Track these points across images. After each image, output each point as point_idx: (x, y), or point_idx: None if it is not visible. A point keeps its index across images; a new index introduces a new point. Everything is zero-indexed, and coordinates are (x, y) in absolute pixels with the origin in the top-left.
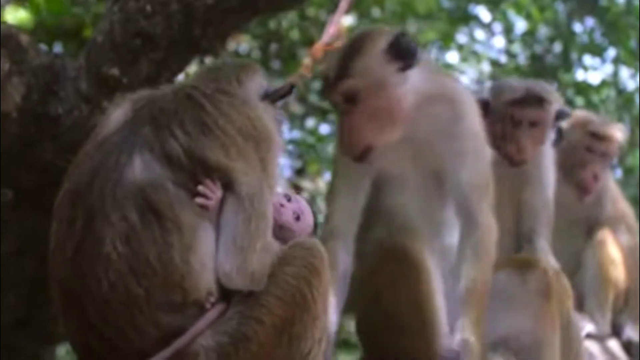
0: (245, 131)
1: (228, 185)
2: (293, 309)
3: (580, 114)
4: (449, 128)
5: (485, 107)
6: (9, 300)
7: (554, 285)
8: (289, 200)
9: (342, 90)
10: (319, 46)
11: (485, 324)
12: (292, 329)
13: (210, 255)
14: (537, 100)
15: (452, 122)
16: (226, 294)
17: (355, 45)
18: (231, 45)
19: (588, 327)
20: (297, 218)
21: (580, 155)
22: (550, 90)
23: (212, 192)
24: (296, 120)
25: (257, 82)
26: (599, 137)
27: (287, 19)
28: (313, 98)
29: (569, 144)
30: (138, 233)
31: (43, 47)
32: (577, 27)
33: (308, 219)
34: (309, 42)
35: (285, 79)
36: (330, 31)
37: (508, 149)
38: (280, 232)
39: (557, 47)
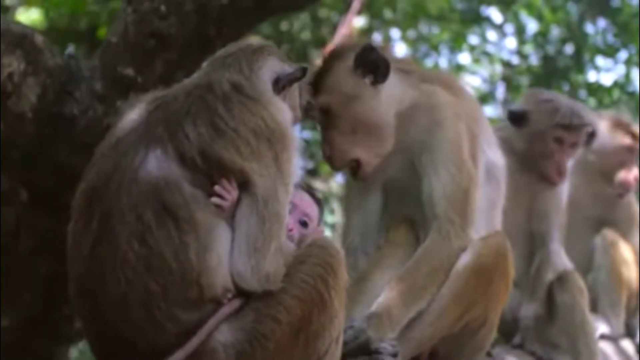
0: (259, 131)
1: (243, 186)
2: (310, 307)
3: (611, 115)
4: (426, 139)
5: (523, 117)
6: (24, 299)
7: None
8: (304, 225)
9: (317, 105)
10: (331, 47)
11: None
12: (309, 328)
13: (227, 254)
14: (583, 125)
15: (428, 132)
16: (243, 291)
17: (326, 61)
18: None
19: (602, 327)
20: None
21: (621, 156)
22: (589, 111)
23: (228, 192)
24: (308, 121)
25: (270, 68)
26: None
27: (299, 20)
28: None
29: (607, 147)
30: (153, 232)
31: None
32: (589, 28)
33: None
34: (320, 42)
35: None
36: (342, 32)
37: (550, 169)
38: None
39: (569, 48)
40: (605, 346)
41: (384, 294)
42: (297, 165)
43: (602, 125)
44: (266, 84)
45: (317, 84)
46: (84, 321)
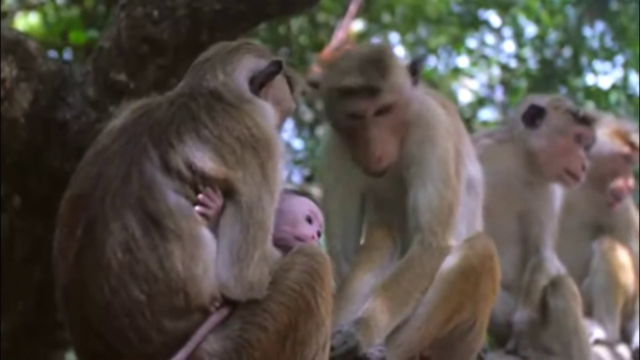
0: (244, 140)
1: (228, 194)
2: (296, 315)
3: (612, 121)
4: (417, 153)
5: (540, 114)
6: (18, 306)
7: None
8: (309, 221)
9: (378, 103)
10: (328, 51)
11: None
12: (295, 335)
13: (213, 262)
14: (597, 121)
15: (421, 146)
16: (230, 299)
17: (382, 60)
18: None
19: (597, 332)
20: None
21: (617, 164)
22: None
23: (213, 200)
24: (305, 128)
25: (245, 67)
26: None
27: (297, 24)
28: (322, 105)
29: (604, 153)
30: (138, 241)
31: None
32: (587, 32)
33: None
34: (318, 46)
35: None
36: (339, 36)
37: (573, 165)
38: (294, 242)
39: (567, 51)
40: (601, 351)
41: (370, 301)
42: (283, 173)
43: (602, 131)
44: (243, 85)
45: (377, 82)
46: (70, 329)
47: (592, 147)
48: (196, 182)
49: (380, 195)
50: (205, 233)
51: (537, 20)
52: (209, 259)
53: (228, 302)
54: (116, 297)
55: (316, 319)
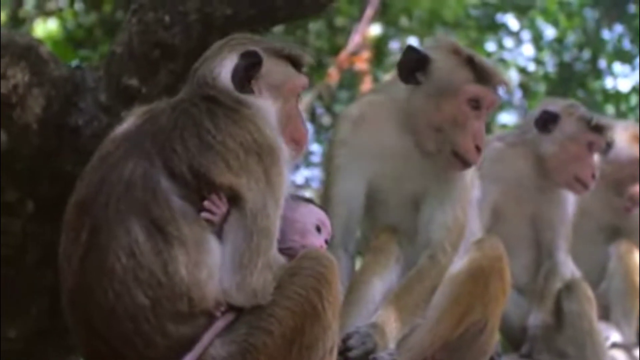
0: (247, 145)
1: (233, 200)
2: (303, 319)
3: (631, 126)
4: (443, 174)
5: (554, 119)
6: (31, 310)
7: None
8: (318, 230)
9: (498, 98)
10: (344, 55)
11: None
12: (302, 339)
13: (218, 267)
14: (610, 129)
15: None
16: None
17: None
18: None
19: (614, 336)
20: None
21: (635, 169)
22: None
23: (218, 207)
24: (323, 131)
25: (227, 67)
26: None
27: (315, 28)
28: (339, 108)
29: (622, 158)
30: (141, 246)
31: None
32: (606, 34)
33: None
34: (336, 50)
35: (311, 89)
36: (355, 40)
37: (584, 173)
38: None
39: (586, 54)
40: (618, 354)
41: (383, 309)
42: (287, 178)
43: (620, 136)
44: (229, 86)
45: (499, 78)
46: (75, 333)
47: (610, 152)
48: (201, 188)
49: (390, 197)
50: (211, 238)
51: (555, 23)
52: (213, 264)
53: (234, 307)
54: (120, 301)
55: (323, 323)
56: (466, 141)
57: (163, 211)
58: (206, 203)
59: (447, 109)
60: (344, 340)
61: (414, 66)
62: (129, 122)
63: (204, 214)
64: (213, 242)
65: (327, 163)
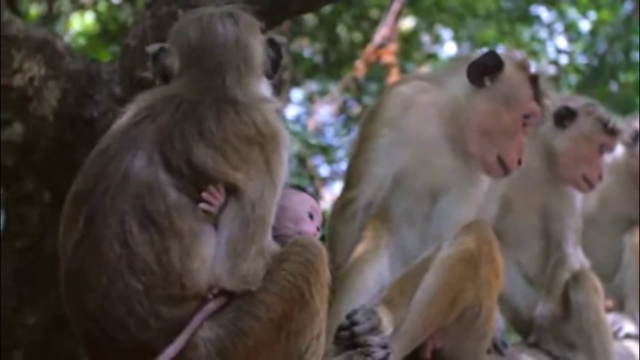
0: (252, 137)
1: (231, 191)
2: (291, 305)
3: None
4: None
5: (571, 116)
6: (49, 298)
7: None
8: (311, 217)
9: (543, 111)
10: (371, 48)
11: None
12: (290, 325)
13: (212, 256)
14: (623, 132)
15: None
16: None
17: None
18: (295, 47)
19: (628, 326)
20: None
21: None
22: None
23: (215, 198)
24: (352, 123)
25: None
26: None
27: (348, 21)
28: (367, 100)
29: None
30: (135, 237)
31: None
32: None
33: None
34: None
35: (338, 82)
36: (382, 33)
37: (592, 173)
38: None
39: (618, 46)
40: (632, 345)
41: (386, 292)
42: (286, 165)
43: None
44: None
45: (548, 101)
46: (72, 318)
47: (635, 144)
48: (198, 180)
49: (417, 183)
50: (207, 229)
51: (584, 14)
52: (208, 253)
53: (225, 291)
54: (114, 286)
55: (310, 309)
56: (513, 151)
57: (158, 204)
58: (204, 194)
59: (505, 118)
60: (349, 316)
61: (486, 69)
62: (129, 115)
63: (202, 205)
64: (209, 233)
65: (367, 139)
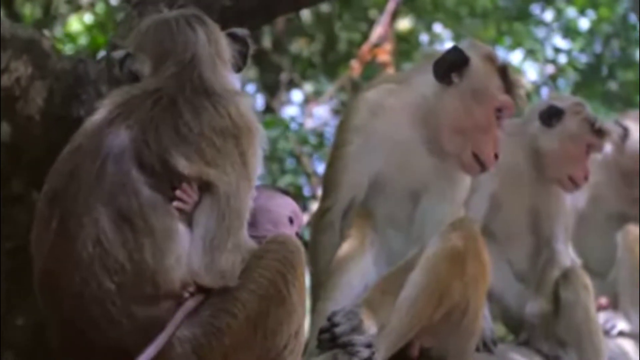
0: (227, 130)
1: (205, 187)
2: (267, 302)
3: None
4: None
5: (558, 115)
6: (37, 299)
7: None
8: (291, 221)
9: (514, 104)
10: (366, 48)
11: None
12: (266, 323)
13: (186, 253)
14: (610, 133)
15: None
16: (202, 286)
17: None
18: (295, 48)
19: (621, 324)
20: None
21: None
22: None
23: (189, 196)
24: None
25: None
26: None
27: (343, 20)
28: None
29: (635, 151)
30: (108, 236)
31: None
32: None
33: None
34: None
35: (334, 82)
36: (377, 33)
37: (577, 173)
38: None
39: (615, 44)
40: (625, 343)
41: (368, 292)
42: (261, 158)
43: (637, 126)
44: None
45: (522, 91)
46: (47, 318)
47: (625, 142)
48: (172, 178)
49: (395, 185)
50: (180, 227)
51: (583, 12)
52: (182, 250)
53: (202, 289)
54: (87, 287)
55: (288, 307)
56: (488, 147)
57: (131, 202)
58: (177, 192)
59: (477, 114)
60: (329, 318)
61: (452, 66)
62: (102, 113)
63: (176, 203)
64: (183, 230)
65: (339, 147)
